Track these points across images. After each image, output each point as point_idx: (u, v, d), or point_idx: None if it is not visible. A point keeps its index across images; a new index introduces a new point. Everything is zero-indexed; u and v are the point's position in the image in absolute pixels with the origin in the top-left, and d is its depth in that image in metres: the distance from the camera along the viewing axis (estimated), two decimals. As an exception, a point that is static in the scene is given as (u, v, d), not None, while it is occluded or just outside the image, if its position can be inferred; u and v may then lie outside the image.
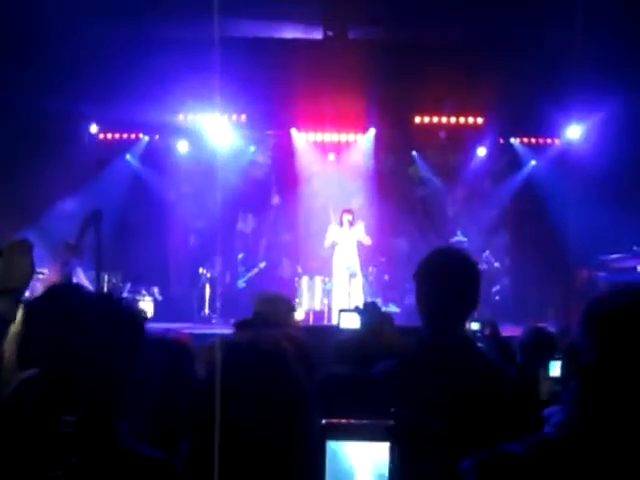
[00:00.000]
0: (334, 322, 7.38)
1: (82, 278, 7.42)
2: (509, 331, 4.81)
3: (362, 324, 1.86)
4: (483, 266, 8.89)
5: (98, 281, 6.22)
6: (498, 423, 1.60)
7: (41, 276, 8.05)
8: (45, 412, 1.15)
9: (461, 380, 1.57)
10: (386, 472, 0.94)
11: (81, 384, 1.18)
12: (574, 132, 10.21)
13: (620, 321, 1.06)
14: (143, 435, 1.25)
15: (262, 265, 9.41)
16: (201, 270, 9.65)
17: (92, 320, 1.21)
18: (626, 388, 1.03)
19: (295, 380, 1.09)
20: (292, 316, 2.60)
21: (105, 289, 7.98)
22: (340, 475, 0.94)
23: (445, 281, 1.67)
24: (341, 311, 1.84)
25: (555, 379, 1.81)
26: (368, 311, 1.87)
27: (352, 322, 1.87)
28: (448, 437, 1.18)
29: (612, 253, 7.84)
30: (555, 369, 1.84)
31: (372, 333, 1.83)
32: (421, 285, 1.74)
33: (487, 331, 3.09)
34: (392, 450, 0.94)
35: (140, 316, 1.30)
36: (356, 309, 1.88)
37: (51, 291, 1.31)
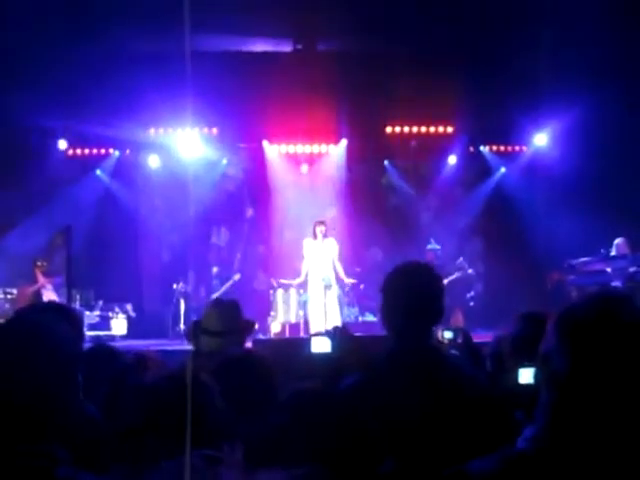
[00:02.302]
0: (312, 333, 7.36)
1: (52, 297, 7.29)
2: (483, 337, 4.86)
3: (332, 348, 1.90)
4: (458, 274, 8.97)
5: (69, 299, 6.13)
6: (468, 431, 1.61)
7: (9, 296, 7.91)
8: None
9: (428, 389, 1.59)
10: None
11: (13, 414, 1.16)
12: (541, 140, 10.42)
13: (593, 329, 1.04)
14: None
15: (236, 277, 9.35)
16: (175, 285, 9.55)
17: (17, 348, 1.19)
18: (598, 397, 1.01)
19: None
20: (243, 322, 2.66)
21: (77, 307, 7.84)
22: None
23: (409, 294, 1.73)
24: (312, 336, 1.88)
25: (524, 386, 1.83)
26: (338, 335, 1.92)
27: (323, 346, 1.90)
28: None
29: (581, 257, 7.99)
30: (524, 376, 1.85)
31: (342, 356, 1.89)
32: (387, 298, 1.81)
33: (460, 339, 3.11)
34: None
35: (72, 337, 1.29)
36: (326, 333, 1.92)
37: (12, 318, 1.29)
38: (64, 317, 1.89)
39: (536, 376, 1.15)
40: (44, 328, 1.23)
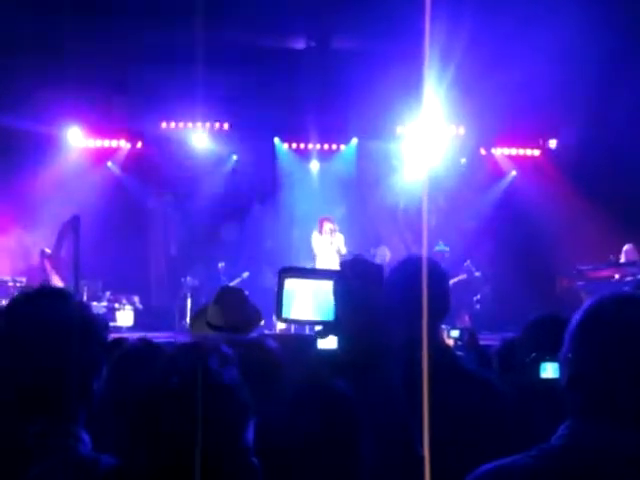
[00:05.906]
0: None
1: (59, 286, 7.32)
2: (489, 340, 4.84)
3: (339, 344, 1.62)
4: (464, 276, 8.94)
5: (76, 289, 6.16)
6: (484, 432, 1.58)
7: (18, 284, 7.96)
8: (7, 420, 1.14)
9: (441, 387, 1.55)
10: (329, 304, 1.16)
11: (43, 393, 1.16)
12: (553, 144, 10.36)
13: (616, 331, 1.05)
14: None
15: (245, 275, 9.37)
16: (183, 279, 9.57)
17: (56, 327, 1.19)
18: (625, 397, 1.02)
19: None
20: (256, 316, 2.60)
21: (84, 297, 7.88)
22: (294, 304, 1.20)
23: (412, 288, 1.67)
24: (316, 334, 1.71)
25: (546, 380, 1.79)
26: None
27: (329, 343, 1.74)
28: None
29: (590, 262, 7.93)
30: (547, 370, 1.82)
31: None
32: (390, 292, 1.73)
33: (466, 338, 3.10)
34: (335, 286, 1.15)
35: (103, 324, 1.29)
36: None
37: (18, 297, 1.29)
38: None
39: (561, 371, 1.14)
40: (79, 311, 1.24)
